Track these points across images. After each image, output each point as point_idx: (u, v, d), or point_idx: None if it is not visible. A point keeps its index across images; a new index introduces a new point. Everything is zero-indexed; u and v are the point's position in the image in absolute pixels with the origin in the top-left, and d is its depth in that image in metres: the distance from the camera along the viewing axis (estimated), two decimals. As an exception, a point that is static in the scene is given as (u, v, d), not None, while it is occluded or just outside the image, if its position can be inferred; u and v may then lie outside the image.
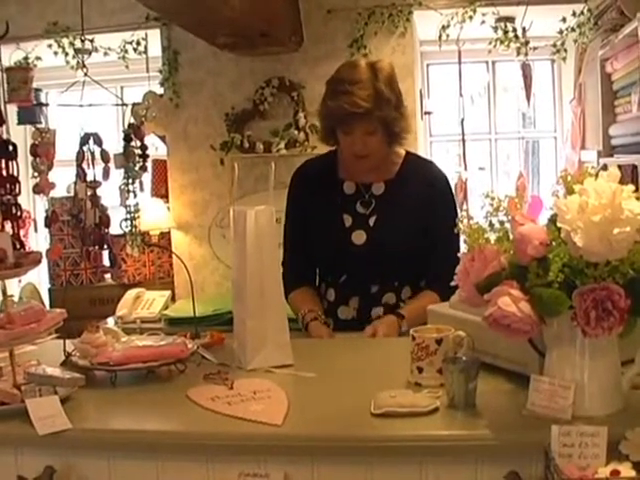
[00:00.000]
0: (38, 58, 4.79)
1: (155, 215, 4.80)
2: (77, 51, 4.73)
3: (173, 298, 4.69)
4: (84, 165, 4.44)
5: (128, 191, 4.43)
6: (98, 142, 4.46)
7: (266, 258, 2.01)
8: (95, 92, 4.70)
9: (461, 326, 1.75)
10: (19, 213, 2.55)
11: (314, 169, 2.63)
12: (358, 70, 2.37)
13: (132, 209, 4.49)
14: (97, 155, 4.47)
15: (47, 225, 4.81)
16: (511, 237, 1.52)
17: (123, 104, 4.71)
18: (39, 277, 5.16)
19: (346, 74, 2.37)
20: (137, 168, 4.43)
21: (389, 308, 2.46)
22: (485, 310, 1.47)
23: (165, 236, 4.92)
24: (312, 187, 2.58)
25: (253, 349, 1.98)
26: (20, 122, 4.90)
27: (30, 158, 4.78)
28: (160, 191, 5.01)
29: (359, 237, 2.48)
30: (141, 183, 4.50)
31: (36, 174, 4.72)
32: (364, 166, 2.47)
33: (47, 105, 5.05)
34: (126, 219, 4.51)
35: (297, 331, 2.30)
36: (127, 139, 4.43)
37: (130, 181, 4.43)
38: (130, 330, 2.61)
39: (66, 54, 4.80)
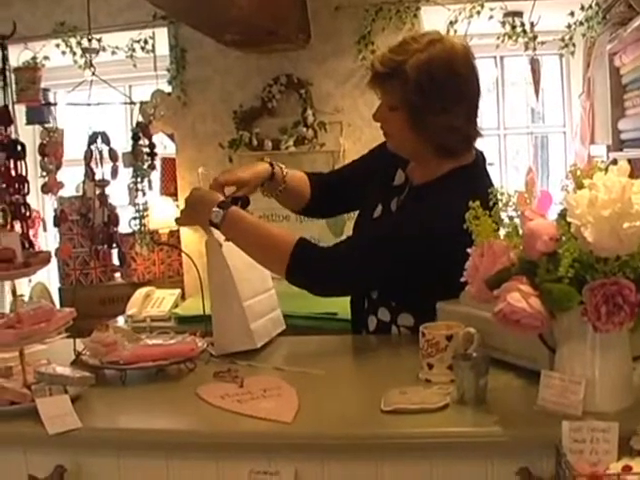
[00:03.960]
0: (46, 58, 4.80)
1: (164, 213, 4.80)
2: (85, 50, 4.75)
3: (183, 296, 4.69)
4: (92, 164, 4.47)
5: (137, 190, 4.45)
6: (106, 141, 4.49)
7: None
8: (103, 91, 4.73)
9: (471, 322, 1.74)
10: (28, 213, 2.57)
11: None
12: (415, 35, 2.12)
13: (141, 207, 4.51)
14: (105, 154, 4.51)
15: (56, 224, 4.83)
16: (520, 232, 1.52)
17: (131, 103, 4.73)
18: (49, 277, 5.18)
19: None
20: (145, 166, 4.45)
21: (382, 324, 2.13)
22: (495, 306, 1.46)
23: (174, 234, 4.92)
24: (385, 159, 2.25)
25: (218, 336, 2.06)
26: (28, 122, 4.91)
27: (38, 158, 4.81)
28: (169, 189, 5.01)
29: None
30: (150, 181, 4.53)
31: (44, 173, 4.75)
32: (390, 146, 2.16)
33: (55, 105, 5.06)
34: (135, 218, 4.53)
35: (308, 329, 2.29)
36: (135, 138, 4.45)
37: (139, 180, 4.45)
38: (140, 329, 2.62)
39: (74, 53, 4.82)
